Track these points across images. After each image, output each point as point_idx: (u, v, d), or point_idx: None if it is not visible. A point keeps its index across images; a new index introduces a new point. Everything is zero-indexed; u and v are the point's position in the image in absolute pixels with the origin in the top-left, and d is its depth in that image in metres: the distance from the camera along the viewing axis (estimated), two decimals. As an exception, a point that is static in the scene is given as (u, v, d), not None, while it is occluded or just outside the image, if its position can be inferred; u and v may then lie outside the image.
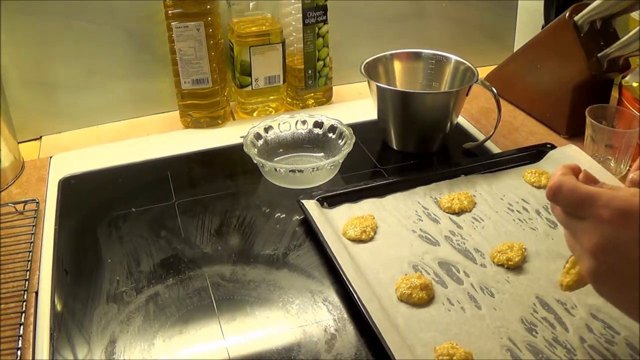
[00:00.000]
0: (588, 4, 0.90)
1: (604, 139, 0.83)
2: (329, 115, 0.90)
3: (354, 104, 1.07)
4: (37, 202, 0.81)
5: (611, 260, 0.44)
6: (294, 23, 0.99)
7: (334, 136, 0.88)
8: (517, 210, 0.77)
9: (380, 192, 0.80)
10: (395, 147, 0.93)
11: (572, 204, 0.46)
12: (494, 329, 0.60)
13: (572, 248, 0.50)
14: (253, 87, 1.00)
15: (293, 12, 0.98)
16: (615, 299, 0.47)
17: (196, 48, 0.93)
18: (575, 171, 0.49)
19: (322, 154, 0.90)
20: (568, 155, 0.84)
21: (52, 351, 0.60)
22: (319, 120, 0.90)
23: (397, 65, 0.97)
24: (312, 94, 1.06)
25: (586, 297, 0.63)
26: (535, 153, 0.87)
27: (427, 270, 0.67)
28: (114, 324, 0.63)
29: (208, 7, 0.92)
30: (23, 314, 0.64)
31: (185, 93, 0.98)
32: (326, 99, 1.08)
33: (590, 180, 0.49)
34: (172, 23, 0.92)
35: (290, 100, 1.06)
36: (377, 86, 0.88)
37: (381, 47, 0.96)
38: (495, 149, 0.92)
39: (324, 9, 0.97)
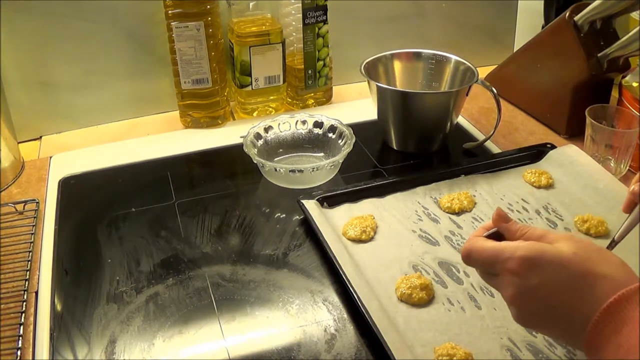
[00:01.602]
0: (588, 4, 0.90)
1: (604, 139, 0.83)
2: (329, 115, 0.90)
3: (354, 104, 1.07)
4: (37, 202, 0.81)
5: (529, 305, 0.48)
6: (294, 23, 0.99)
7: (334, 136, 0.88)
8: (517, 210, 0.77)
9: (380, 192, 0.80)
10: (395, 147, 0.93)
11: (483, 265, 0.51)
12: (494, 328, 0.60)
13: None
14: (253, 87, 1.00)
15: (293, 12, 0.98)
16: (549, 334, 0.51)
17: (196, 48, 0.93)
18: (491, 225, 0.53)
19: (322, 154, 0.90)
20: (568, 155, 0.84)
21: (52, 351, 0.60)
22: (319, 120, 0.90)
23: (397, 65, 0.97)
24: (312, 94, 1.06)
25: (586, 297, 0.63)
26: (535, 153, 0.87)
27: (427, 270, 0.68)
28: (114, 324, 0.63)
29: (208, 7, 0.92)
30: (23, 314, 0.64)
31: (185, 93, 0.98)
32: (326, 99, 1.08)
33: (502, 218, 0.52)
34: (172, 23, 0.92)
35: (290, 100, 1.06)
36: (377, 86, 0.88)
37: (381, 47, 0.96)
38: (495, 149, 0.92)
39: (324, 9, 0.97)
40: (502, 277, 0.48)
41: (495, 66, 1.10)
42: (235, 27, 0.97)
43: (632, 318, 0.41)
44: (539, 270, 0.46)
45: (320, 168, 0.81)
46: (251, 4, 0.97)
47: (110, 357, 0.59)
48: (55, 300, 0.67)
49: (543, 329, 0.49)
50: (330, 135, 0.89)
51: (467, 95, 0.89)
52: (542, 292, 0.46)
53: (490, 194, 0.80)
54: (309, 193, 0.78)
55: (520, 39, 1.19)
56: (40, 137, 1.02)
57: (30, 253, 0.73)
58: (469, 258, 0.51)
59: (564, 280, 0.45)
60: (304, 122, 0.90)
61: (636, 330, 0.41)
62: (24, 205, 0.81)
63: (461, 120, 1.00)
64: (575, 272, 0.45)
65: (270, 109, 1.04)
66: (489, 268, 0.50)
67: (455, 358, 0.55)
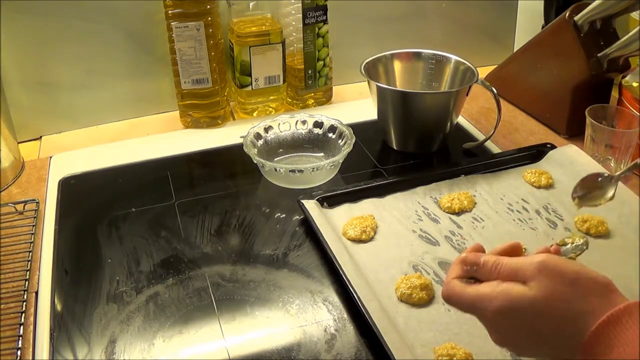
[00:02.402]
0: (588, 4, 0.90)
1: (604, 139, 0.83)
2: (329, 115, 0.90)
3: (354, 104, 1.07)
4: (37, 202, 0.81)
5: (513, 346, 0.49)
6: (294, 23, 0.99)
7: (334, 136, 0.88)
8: (517, 210, 0.77)
9: (380, 192, 0.80)
10: (395, 147, 0.93)
11: (462, 310, 0.51)
12: (494, 329, 0.60)
13: None
14: (253, 87, 1.00)
15: (293, 12, 0.98)
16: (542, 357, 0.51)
17: (196, 48, 0.93)
18: (468, 260, 0.52)
19: (322, 154, 0.90)
20: (568, 155, 0.84)
21: (52, 351, 0.60)
22: (319, 120, 0.90)
23: (397, 65, 0.97)
24: (312, 94, 1.06)
25: (586, 297, 0.63)
26: (535, 153, 0.87)
27: (427, 270, 0.67)
28: (114, 324, 0.63)
29: (208, 7, 0.92)
30: (23, 314, 0.64)
31: (185, 93, 0.98)
32: (326, 99, 1.08)
33: (471, 264, 0.51)
34: (172, 23, 0.92)
35: (290, 100, 1.06)
36: (377, 86, 0.88)
37: (381, 47, 0.96)
38: (495, 149, 0.92)
39: (324, 9, 0.97)
40: (483, 322, 0.49)
41: (495, 66, 1.10)
42: (235, 27, 0.97)
43: (621, 339, 0.41)
44: (516, 319, 0.46)
45: (320, 168, 0.81)
46: (251, 4, 0.97)
47: (110, 357, 0.59)
48: (55, 300, 0.67)
49: (536, 356, 0.50)
50: (330, 135, 0.89)
51: (467, 95, 0.89)
52: (523, 336, 0.47)
53: (490, 194, 0.80)
54: (309, 193, 0.78)
55: (520, 39, 1.19)
56: (40, 137, 1.02)
57: (30, 253, 0.73)
58: (450, 302, 0.51)
59: (542, 325, 0.45)
60: (304, 122, 0.90)
61: (627, 350, 0.40)
62: (24, 205, 0.81)
63: (461, 120, 1.00)
64: (553, 316, 0.45)
65: (270, 109, 1.04)
66: (469, 313, 0.50)
67: (455, 358, 0.55)
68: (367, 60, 0.93)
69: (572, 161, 0.83)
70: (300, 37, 0.98)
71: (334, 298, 0.66)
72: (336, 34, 1.05)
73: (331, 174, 0.85)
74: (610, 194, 0.62)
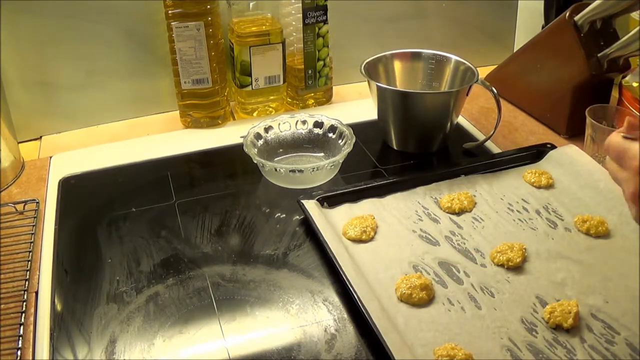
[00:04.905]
0: (588, 4, 0.91)
1: (604, 139, 0.82)
2: (329, 115, 0.90)
3: (354, 104, 1.07)
4: (37, 202, 0.81)
5: None
6: (294, 23, 0.99)
7: (334, 136, 0.88)
8: (517, 210, 0.77)
9: (380, 192, 0.80)
10: (395, 147, 0.93)
11: (613, 157, 0.55)
12: (494, 329, 0.60)
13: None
14: (253, 87, 1.00)
15: (293, 12, 0.98)
16: None
17: (196, 48, 0.93)
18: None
19: (322, 154, 0.90)
20: (568, 155, 0.84)
21: (52, 351, 0.60)
22: (319, 120, 0.90)
23: (397, 65, 0.97)
24: (312, 94, 1.06)
25: (586, 297, 0.63)
26: (535, 153, 0.87)
27: (427, 270, 0.67)
28: (114, 324, 0.63)
29: (208, 7, 0.92)
30: (23, 314, 0.64)
31: (185, 93, 0.98)
32: (326, 99, 1.08)
33: (633, 128, 0.54)
34: (172, 23, 0.92)
35: (290, 100, 1.06)
36: (377, 86, 0.88)
37: (381, 47, 0.96)
38: (495, 149, 0.92)
39: (324, 9, 0.97)
40: (627, 174, 0.52)
41: (495, 66, 1.10)
42: (236, 27, 0.97)
43: None
44: None
45: (320, 168, 0.81)
46: (251, 4, 0.97)
47: (110, 357, 0.60)
48: (55, 300, 0.67)
49: None
50: (330, 135, 0.89)
51: (467, 95, 0.89)
52: None
53: (491, 194, 0.80)
54: (309, 193, 0.78)
55: (520, 39, 1.19)
56: (40, 137, 1.02)
57: (30, 253, 0.73)
58: (607, 149, 0.54)
59: None
60: (304, 122, 0.90)
61: None
62: (24, 205, 0.81)
63: (461, 120, 1.00)
64: None
65: (270, 109, 1.04)
66: (617, 161, 0.54)
67: (455, 359, 0.55)
68: (367, 60, 0.93)
69: (572, 161, 0.83)
70: (300, 37, 0.98)
71: (334, 298, 0.66)
72: (336, 34, 1.05)
73: (331, 174, 0.85)
74: None
